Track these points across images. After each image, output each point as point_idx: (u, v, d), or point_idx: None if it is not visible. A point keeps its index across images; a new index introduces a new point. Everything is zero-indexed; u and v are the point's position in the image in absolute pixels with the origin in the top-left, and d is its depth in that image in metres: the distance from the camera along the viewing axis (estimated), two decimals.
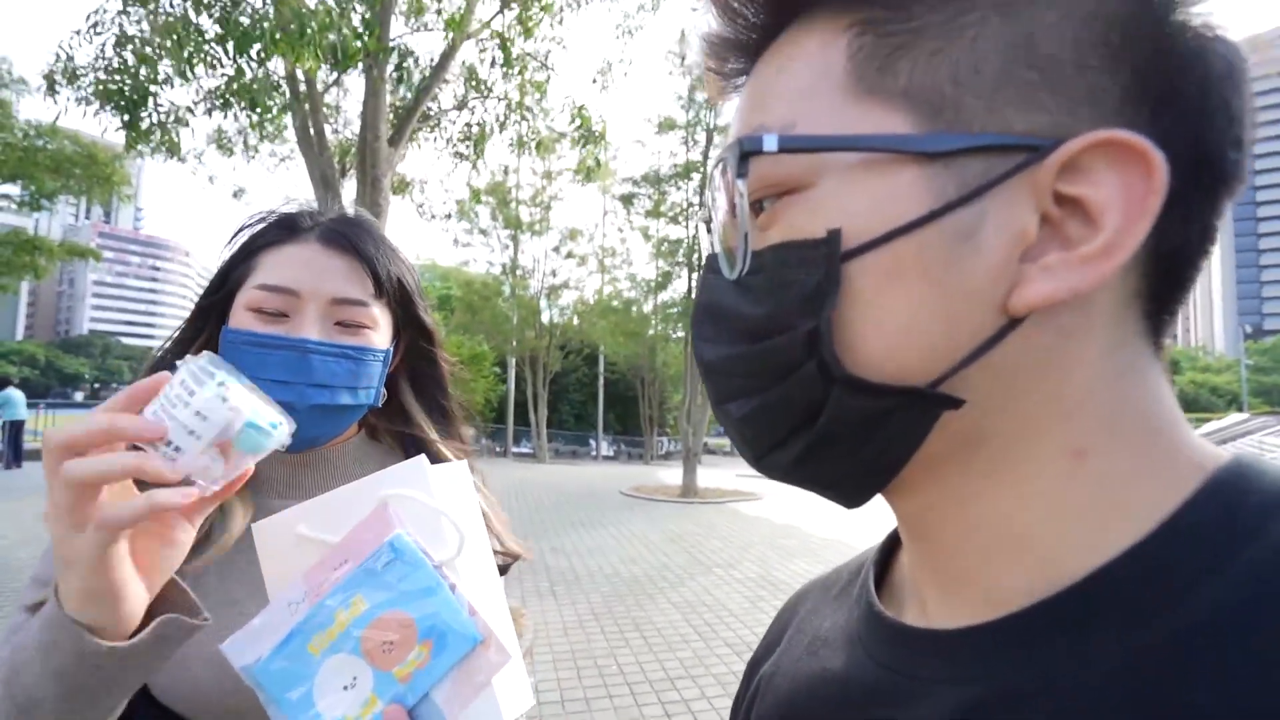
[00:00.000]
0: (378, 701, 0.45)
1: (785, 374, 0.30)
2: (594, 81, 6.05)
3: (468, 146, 6.17)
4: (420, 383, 0.85)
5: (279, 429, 0.46)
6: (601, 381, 24.82)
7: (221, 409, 0.43)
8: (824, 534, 7.75)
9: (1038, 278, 0.26)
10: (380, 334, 0.76)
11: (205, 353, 0.46)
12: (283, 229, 0.74)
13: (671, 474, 14.62)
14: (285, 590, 0.48)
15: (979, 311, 0.27)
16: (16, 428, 12.56)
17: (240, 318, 0.70)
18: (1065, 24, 0.26)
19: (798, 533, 7.92)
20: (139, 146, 4.66)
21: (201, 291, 0.75)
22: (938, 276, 0.27)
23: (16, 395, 12.57)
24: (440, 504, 0.50)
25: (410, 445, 0.82)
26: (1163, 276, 0.28)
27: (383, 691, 0.45)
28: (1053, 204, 0.26)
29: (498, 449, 23.13)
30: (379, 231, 0.80)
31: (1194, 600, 0.24)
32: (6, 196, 8.75)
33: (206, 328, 0.74)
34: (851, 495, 0.33)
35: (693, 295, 0.54)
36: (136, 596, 0.47)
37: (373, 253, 0.75)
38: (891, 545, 0.41)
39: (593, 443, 26.60)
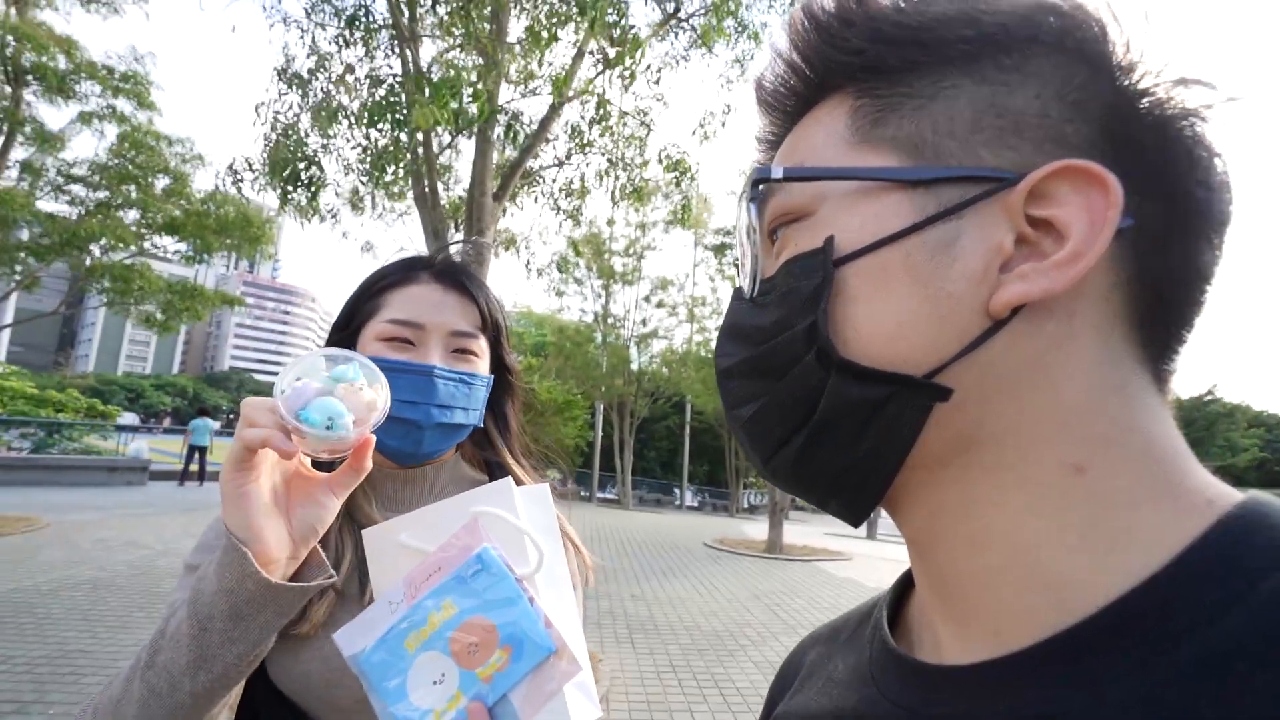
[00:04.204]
0: (462, 698, 0.50)
1: (788, 368, 0.34)
2: (693, 134, 6.28)
3: (568, 200, 6.55)
4: (501, 411, 0.95)
5: (332, 429, 0.55)
6: (688, 430, 24.71)
7: (302, 393, 0.56)
8: None
9: (1014, 283, 0.30)
10: (484, 362, 0.87)
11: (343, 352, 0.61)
12: (404, 271, 0.87)
13: (757, 528, 14.16)
14: (388, 590, 0.54)
15: (964, 313, 0.30)
16: (200, 452, 14.16)
17: (372, 347, 0.82)
18: (1028, 86, 0.31)
19: None
20: (288, 210, 5.34)
21: (328, 330, 0.88)
22: (923, 280, 0.31)
23: (202, 424, 14.29)
24: (523, 524, 0.56)
25: (494, 468, 0.91)
26: (1150, 303, 0.31)
27: (467, 689, 0.50)
28: (1026, 225, 0.30)
29: (583, 493, 23.37)
30: (479, 274, 0.92)
31: (1208, 637, 0.24)
32: (178, 251, 10.30)
33: None
34: (855, 500, 0.35)
35: None
36: (277, 538, 0.57)
37: (479, 292, 0.87)
38: (903, 587, 0.42)
39: (677, 491, 26.30)
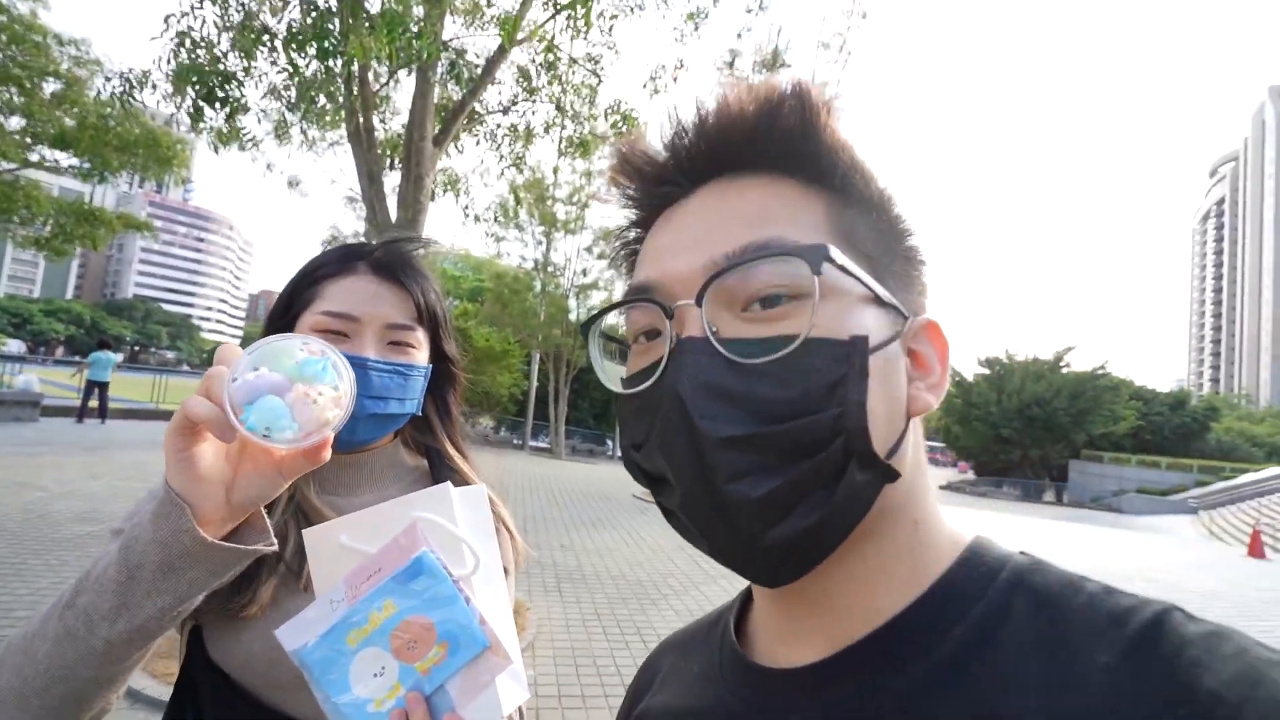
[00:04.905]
0: (401, 688, 0.54)
1: (815, 451, 0.35)
2: (644, 87, 6.13)
3: (511, 147, 6.31)
4: (442, 399, 0.97)
5: (269, 438, 0.52)
6: None
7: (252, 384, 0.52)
8: None
9: (925, 394, 0.41)
10: (422, 353, 0.89)
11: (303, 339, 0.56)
12: (341, 262, 0.87)
13: None
14: (329, 590, 0.57)
15: (901, 413, 0.39)
16: (100, 388, 13.02)
17: None
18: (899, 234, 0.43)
19: None
20: (203, 134, 4.89)
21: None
22: (891, 381, 0.39)
23: (103, 357, 13.04)
24: (461, 530, 0.59)
25: (433, 455, 0.94)
26: None
27: (405, 680, 0.54)
28: (906, 354, 0.41)
29: (516, 441, 23.41)
30: (418, 263, 0.92)
31: (949, 638, 0.36)
32: (72, 167, 9.28)
33: None
34: (804, 567, 0.38)
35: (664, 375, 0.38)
36: (215, 503, 0.56)
37: (416, 285, 0.88)
38: (745, 600, 0.50)
39: (610, 442, 26.76)
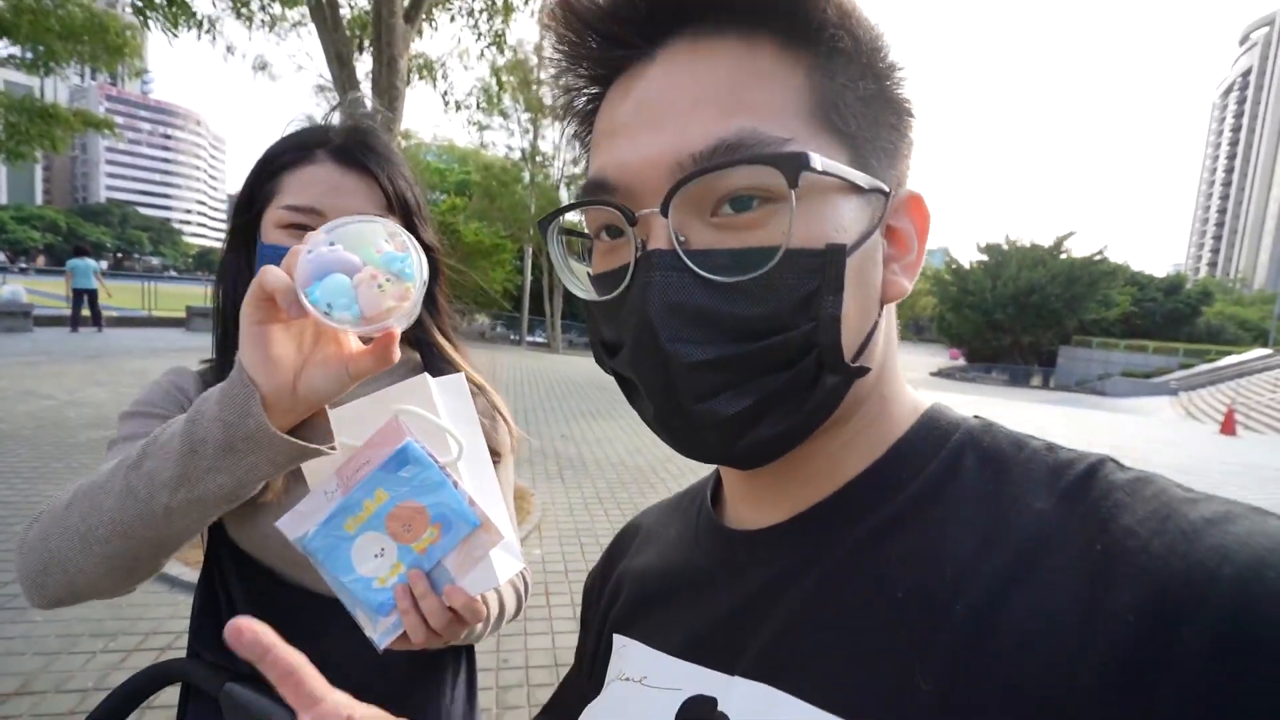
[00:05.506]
0: (401, 566, 0.58)
1: (789, 366, 0.35)
2: None
3: (490, 23, 5.83)
4: (427, 290, 0.94)
5: (329, 315, 0.51)
6: None
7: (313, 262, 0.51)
8: None
9: (899, 278, 0.40)
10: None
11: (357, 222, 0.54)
12: (299, 150, 0.81)
13: None
14: (322, 482, 0.60)
15: (875, 303, 0.38)
16: (89, 296, 12.73)
17: (272, 235, 0.79)
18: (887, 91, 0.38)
19: None
20: (152, 19, 4.49)
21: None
22: (866, 278, 0.37)
23: (82, 264, 12.57)
24: (443, 420, 0.61)
25: (424, 347, 0.93)
26: None
27: (404, 559, 0.58)
28: (882, 232, 0.39)
29: (513, 337, 23.58)
30: (385, 146, 0.85)
31: (902, 496, 0.38)
32: (13, 56, 8.56)
33: (245, 244, 0.83)
34: (768, 457, 0.39)
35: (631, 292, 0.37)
36: (281, 390, 0.55)
37: (382, 171, 0.82)
38: (719, 473, 0.52)
39: None
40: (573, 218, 0.43)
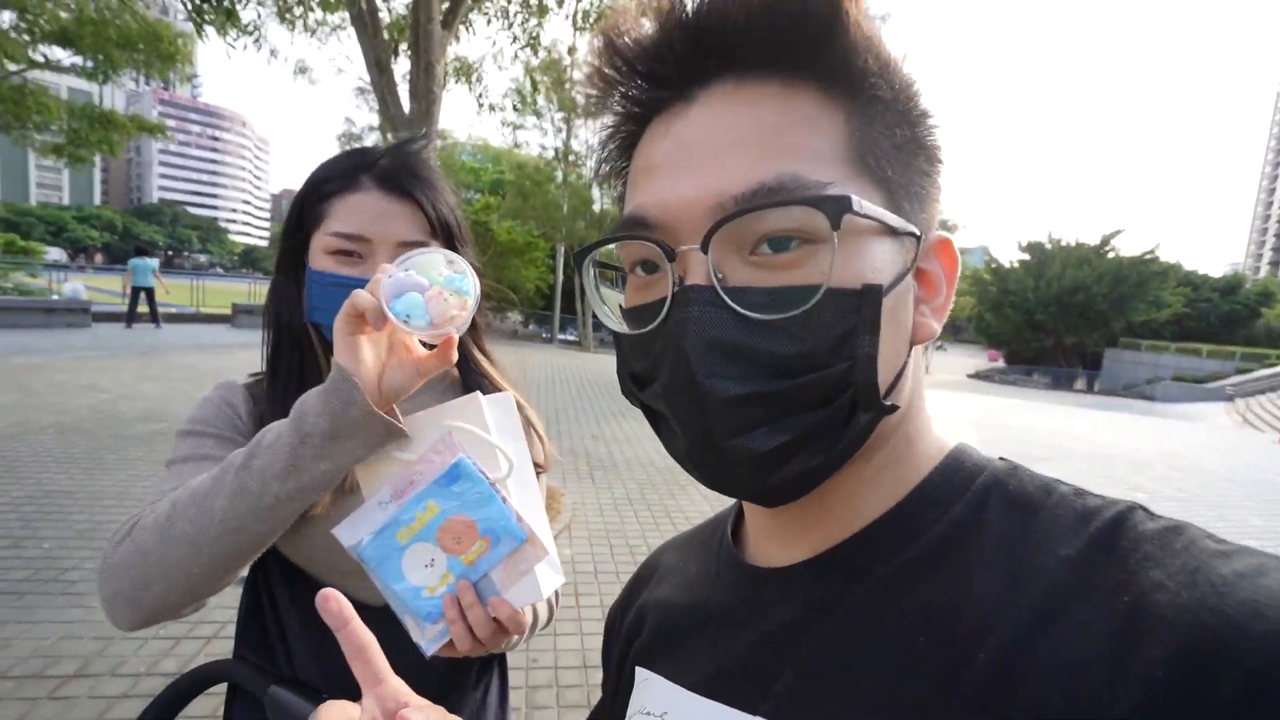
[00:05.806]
0: (450, 576, 0.60)
1: (825, 404, 0.35)
2: None
3: (524, 24, 5.90)
4: None
5: (408, 324, 0.62)
6: None
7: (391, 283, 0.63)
8: None
9: (926, 320, 0.40)
10: None
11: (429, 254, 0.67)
12: (346, 178, 0.84)
13: None
14: (377, 494, 0.62)
15: (905, 343, 0.39)
16: (146, 294, 13.29)
17: (320, 261, 0.82)
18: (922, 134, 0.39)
19: None
20: (205, 27, 4.66)
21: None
22: (899, 318, 0.38)
23: (141, 263, 13.11)
24: (493, 437, 0.63)
25: (459, 362, 0.95)
26: None
27: (453, 570, 0.60)
28: (915, 273, 0.39)
29: (545, 335, 23.80)
30: (429, 171, 0.88)
31: (926, 538, 0.38)
32: (76, 65, 9.03)
33: (295, 266, 0.86)
34: (797, 494, 0.39)
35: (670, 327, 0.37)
36: (370, 381, 0.65)
37: (426, 197, 0.85)
38: (740, 507, 0.52)
39: None
40: (605, 249, 0.44)
